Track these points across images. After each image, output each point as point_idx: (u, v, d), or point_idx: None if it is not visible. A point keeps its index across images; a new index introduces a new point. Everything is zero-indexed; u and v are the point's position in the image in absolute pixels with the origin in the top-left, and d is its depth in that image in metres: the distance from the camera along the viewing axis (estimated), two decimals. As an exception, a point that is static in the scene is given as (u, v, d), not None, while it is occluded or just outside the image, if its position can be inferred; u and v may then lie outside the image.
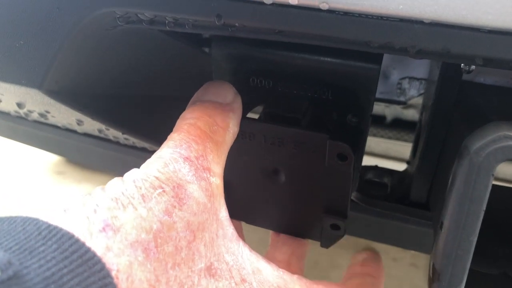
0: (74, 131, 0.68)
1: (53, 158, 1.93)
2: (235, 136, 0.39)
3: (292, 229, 0.49)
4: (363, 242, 1.35)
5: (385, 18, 0.30)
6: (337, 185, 0.42)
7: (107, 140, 0.68)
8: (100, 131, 0.57)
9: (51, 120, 0.59)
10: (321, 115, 0.45)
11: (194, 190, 0.32)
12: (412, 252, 1.48)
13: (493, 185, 0.32)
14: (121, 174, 0.33)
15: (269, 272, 0.36)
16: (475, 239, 0.32)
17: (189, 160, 0.33)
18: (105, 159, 0.74)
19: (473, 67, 0.40)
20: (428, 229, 0.60)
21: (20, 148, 1.95)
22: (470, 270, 0.34)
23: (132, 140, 0.59)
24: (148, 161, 0.33)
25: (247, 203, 0.48)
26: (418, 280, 1.38)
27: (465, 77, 0.47)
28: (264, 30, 0.33)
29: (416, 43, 0.30)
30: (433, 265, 0.35)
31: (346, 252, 1.30)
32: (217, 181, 0.35)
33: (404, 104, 0.61)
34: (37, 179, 1.83)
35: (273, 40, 0.41)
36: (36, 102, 0.49)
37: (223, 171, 0.36)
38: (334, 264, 1.25)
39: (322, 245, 0.48)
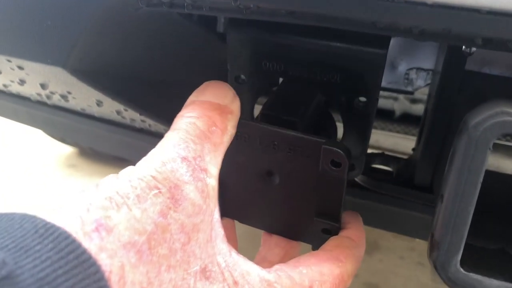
0: (92, 116, 0.70)
1: (65, 151, 1.96)
2: (232, 137, 0.39)
3: (284, 230, 0.49)
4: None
5: (390, 0, 0.32)
6: (330, 191, 0.42)
7: (122, 125, 0.70)
8: (118, 112, 0.59)
9: (72, 102, 0.61)
10: (319, 118, 0.45)
11: (191, 191, 0.32)
12: (419, 250, 1.49)
13: (493, 172, 0.34)
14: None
15: (256, 273, 0.35)
16: (472, 210, 0.33)
17: (187, 160, 0.33)
18: (119, 145, 0.76)
19: (474, 49, 0.42)
20: (431, 216, 0.61)
21: (32, 142, 1.99)
22: (470, 244, 0.36)
23: (149, 122, 0.61)
24: (145, 159, 0.33)
25: (241, 202, 0.48)
26: (425, 279, 1.38)
27: (470, 66, 0.48)
28: (276, 12, 0.35)
29: (419, 24, 0.32)
30: (432, 235, 0.36)
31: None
32: (213, 183, 0.34)
33: (411, 94, 0.63)
34: (49, 172, 1.86)
35: (285, 25, 0.44)
36: (59, 82, 0.51)
37: (218, 172, 0.36)
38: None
39: (314, 249, 0.46)
